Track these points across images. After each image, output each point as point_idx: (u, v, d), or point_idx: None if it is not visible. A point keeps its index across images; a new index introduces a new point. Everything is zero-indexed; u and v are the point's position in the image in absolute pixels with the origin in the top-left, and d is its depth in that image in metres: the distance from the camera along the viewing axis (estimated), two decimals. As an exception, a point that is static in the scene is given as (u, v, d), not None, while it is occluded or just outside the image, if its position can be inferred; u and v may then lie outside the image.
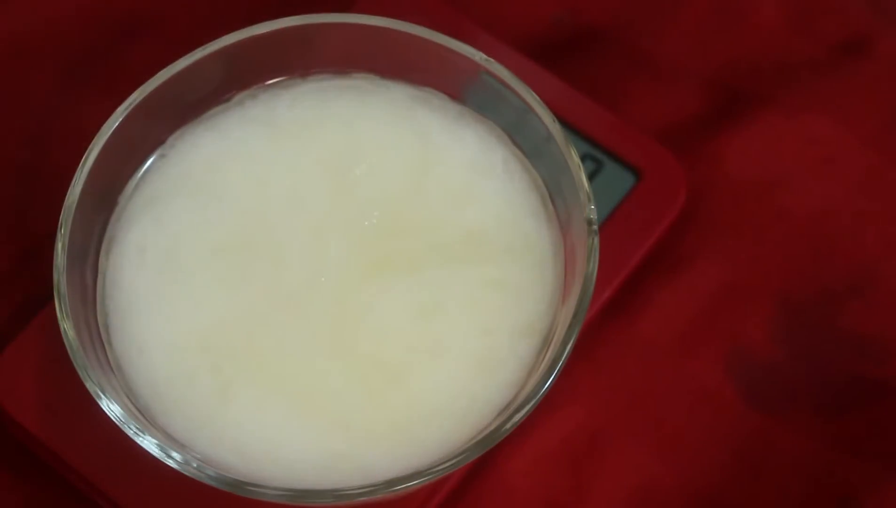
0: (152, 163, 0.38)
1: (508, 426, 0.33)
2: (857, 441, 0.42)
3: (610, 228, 0.42)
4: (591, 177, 0.43)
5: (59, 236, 0.34)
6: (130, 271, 0.36)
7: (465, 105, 0.38)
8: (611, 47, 0.48)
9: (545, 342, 0.36)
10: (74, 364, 0.33)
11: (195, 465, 0.33)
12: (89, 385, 0.33)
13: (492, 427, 0.34)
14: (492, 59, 0.37)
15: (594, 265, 0.34)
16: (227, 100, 0.39)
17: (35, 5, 0.46)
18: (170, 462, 0.33)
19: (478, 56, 0.37)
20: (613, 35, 0.48)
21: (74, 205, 0.35)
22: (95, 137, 0.36)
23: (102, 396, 0.33)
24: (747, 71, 0.48)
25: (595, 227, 0.35)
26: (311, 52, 0.38)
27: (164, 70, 0.37)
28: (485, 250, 0.37)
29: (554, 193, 0.37)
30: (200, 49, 0.37)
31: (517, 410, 0.33)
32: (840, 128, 0.46)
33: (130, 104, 0.36)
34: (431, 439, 0.34)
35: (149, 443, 0.33)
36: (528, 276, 0.36)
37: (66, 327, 0.34)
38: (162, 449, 0.33)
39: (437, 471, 0.33)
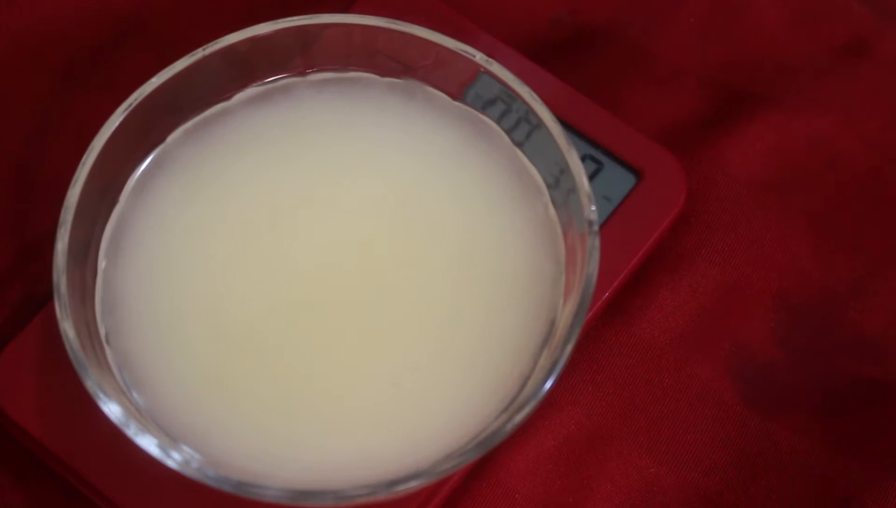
0: (152, 163, 0.38)
1: (509, 426, 0.33)
2: (858, 442, 0.42)
3: (610, 228, 0.42)
4: (591, 177, 0.43)
5: (59, 236, 0.34)
6: (130, 271, 0.36)
7: (464, 105, 0.38)
8: (611, 47, 0.48)
9: (545, 343, 0.36)
10: (74, 364, 0.33)
11: (195, 465, 0.33)
12: (89, 385, 0.33)
13: (492, 428, 0.34)
14: (492, 60, 0.37)
15: (594, 265, 0.34)
16: (227, 99, 0.39)
17: (35, 5, 0.46)
18: (169, 463, 0.33)
19: (478, 56, 0.37)
20: (613, 35, 0.48)
21: (74, 205, 0.35)
22: (95, 137, 0.36)
23: (102, 396, 0.33)
24: (747, 71, 0.48)
25: (595, 227, 0.35)
26: (311, 52, 0.38)
27: (164, 70, 0.37)
28: (486, 252, 0.37)
29: (554, 193, 0.37)
30: (200, 49, 0.37)
31: (518, 410, 0.33)
32: (841, 128, 0.46)
33: (130, 104, 0.36)
34: (432, 440, 0.34)
35: (148, 443, 0.33)
36: (528, 277, 0.36)
37: (66, 327, 0.34)
38: (162, 449, 0.33)
39: (438, 472, 0.33)
